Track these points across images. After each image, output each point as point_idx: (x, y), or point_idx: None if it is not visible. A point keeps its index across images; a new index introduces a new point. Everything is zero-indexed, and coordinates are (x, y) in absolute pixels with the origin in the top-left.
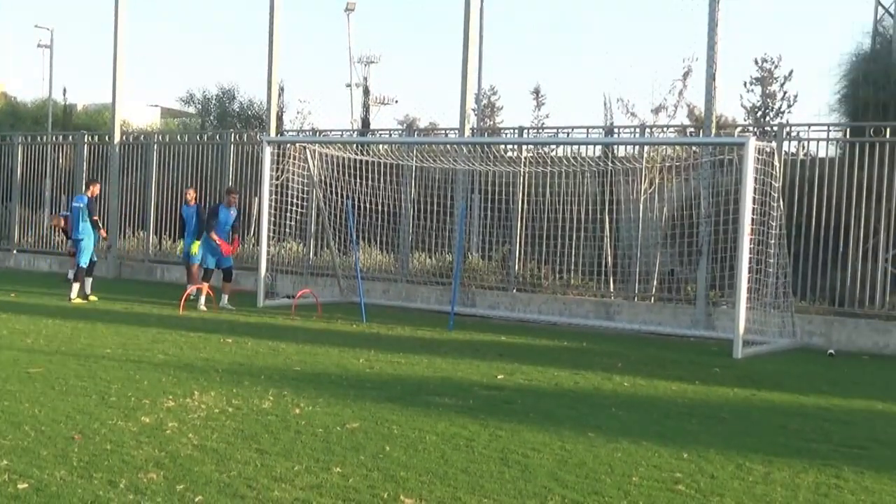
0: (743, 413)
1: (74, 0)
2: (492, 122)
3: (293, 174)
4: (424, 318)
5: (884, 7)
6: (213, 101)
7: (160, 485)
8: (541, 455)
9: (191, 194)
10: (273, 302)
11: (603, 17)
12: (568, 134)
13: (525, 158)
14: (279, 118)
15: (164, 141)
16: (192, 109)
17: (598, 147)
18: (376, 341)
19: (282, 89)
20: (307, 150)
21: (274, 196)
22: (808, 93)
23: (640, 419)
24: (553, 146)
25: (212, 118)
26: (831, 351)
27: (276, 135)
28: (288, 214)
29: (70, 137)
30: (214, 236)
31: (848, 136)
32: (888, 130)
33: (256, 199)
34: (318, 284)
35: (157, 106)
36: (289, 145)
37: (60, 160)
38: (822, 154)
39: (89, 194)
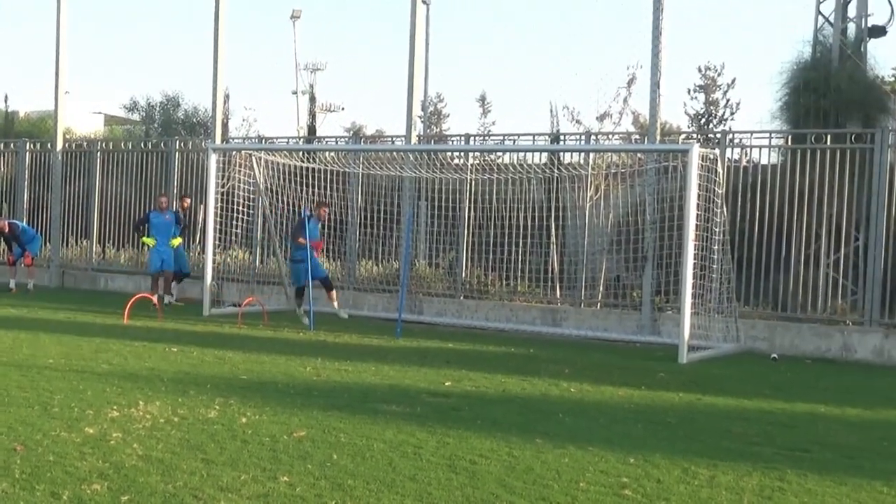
0: (688, 417)
1: (14, 4)
2: (438, 130)
3: (239, 182)
4: (372, 325)
5: (824, 16)
6: (158, 109)
7: (104, 496)
8: (489, 462)
9: (165, 201)
10: (219, 310)
11: (548, 26)
12: (514, 141)
13: (471, 165)
14: (224, 125)
15: (108, 149)
16: (136, 117)
17: (545, 154)
18: (323, 349)
19: (227, 96)
20: (253, 158)
21: (220, 204)
22: (751, 100)
23: (587, 425)
24: (499, 153)
25: (156, 125)
26: (774, 355)
27: (222, 142)
28: (234, 222)
29: (11, 145)
30: (302, 241)
31: (789, 143)
32: (828, 137)
33: (202, 207)
34: (264, 292)
35: (100, 113)
36: (234, 153)
37: (1, 168)
38: (764, 161)
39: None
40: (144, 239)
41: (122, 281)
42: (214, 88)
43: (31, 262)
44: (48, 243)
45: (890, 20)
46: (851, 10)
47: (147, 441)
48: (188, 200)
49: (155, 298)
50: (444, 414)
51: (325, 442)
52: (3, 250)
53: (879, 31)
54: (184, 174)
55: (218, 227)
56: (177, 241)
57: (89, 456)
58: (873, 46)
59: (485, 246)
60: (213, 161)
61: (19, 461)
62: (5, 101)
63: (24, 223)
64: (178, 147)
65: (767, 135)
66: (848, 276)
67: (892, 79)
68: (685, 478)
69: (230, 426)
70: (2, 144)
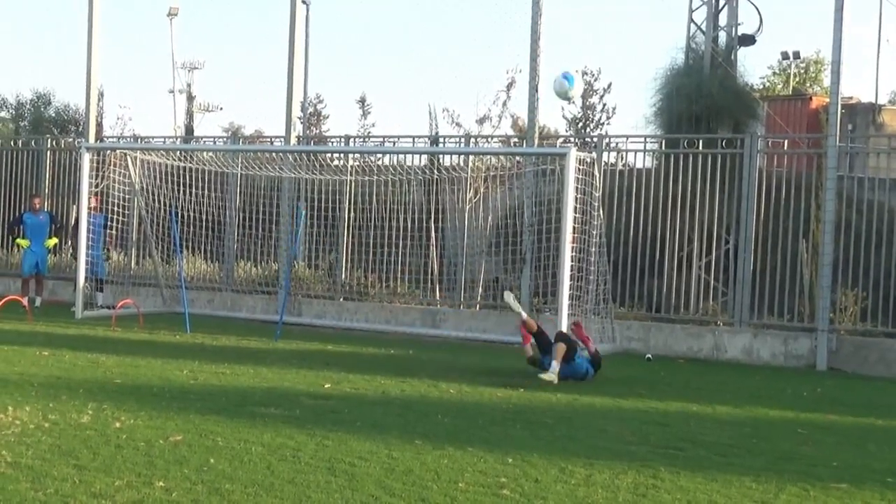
0: (565, 418)
1: None
2: (318, 131)
3: (114, 182)
4: (250, 327)
5: (696, 24)
6: (28, 106)
7: None
8: (368, 464)
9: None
10: (93, 313)
11: (428, 28)
12: (394, 143)
13: (351, 167)
14: (98, 124)
15: None
16: (4, 114)
17: (424, 156)
18: (200, 352)
19: (101, 94)
20: (128, 157)
21: (94, 204)
22: (626, 105)
23: (466, 426)
24: (379, 155)
25: (26, 123)
26: (649, 355)
27: (96, 141)
28: (108, 223)
29: None
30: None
31: (663, 148)
32: (700, 142)
33: (75, 208)
34: (140, 295)
35: None
36: (109, 152)
37: None
38: (639, 165)
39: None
40: (18, 240)
41: None
42: (88, 86)
43: None
44: None
45: (758, 30)
46: (722, 20)
47: (16, 447)
48: (95, 200)
49: (25, 301)
50: (323, 416)
51: (202, 446)
52: None
53: (749, 40)
54: (56, 174)
55: (91, 228)
56: (52, 242)
57: None
58: (743, 55)
59: (364, 247)
60: (86, 160)
61: None
62: None
63: None
64: (49, 146)
65: (642, 139)
66: (719, 278)
67: (761, 86)
68: (562, 477)
69: (103, 431)
70: None
